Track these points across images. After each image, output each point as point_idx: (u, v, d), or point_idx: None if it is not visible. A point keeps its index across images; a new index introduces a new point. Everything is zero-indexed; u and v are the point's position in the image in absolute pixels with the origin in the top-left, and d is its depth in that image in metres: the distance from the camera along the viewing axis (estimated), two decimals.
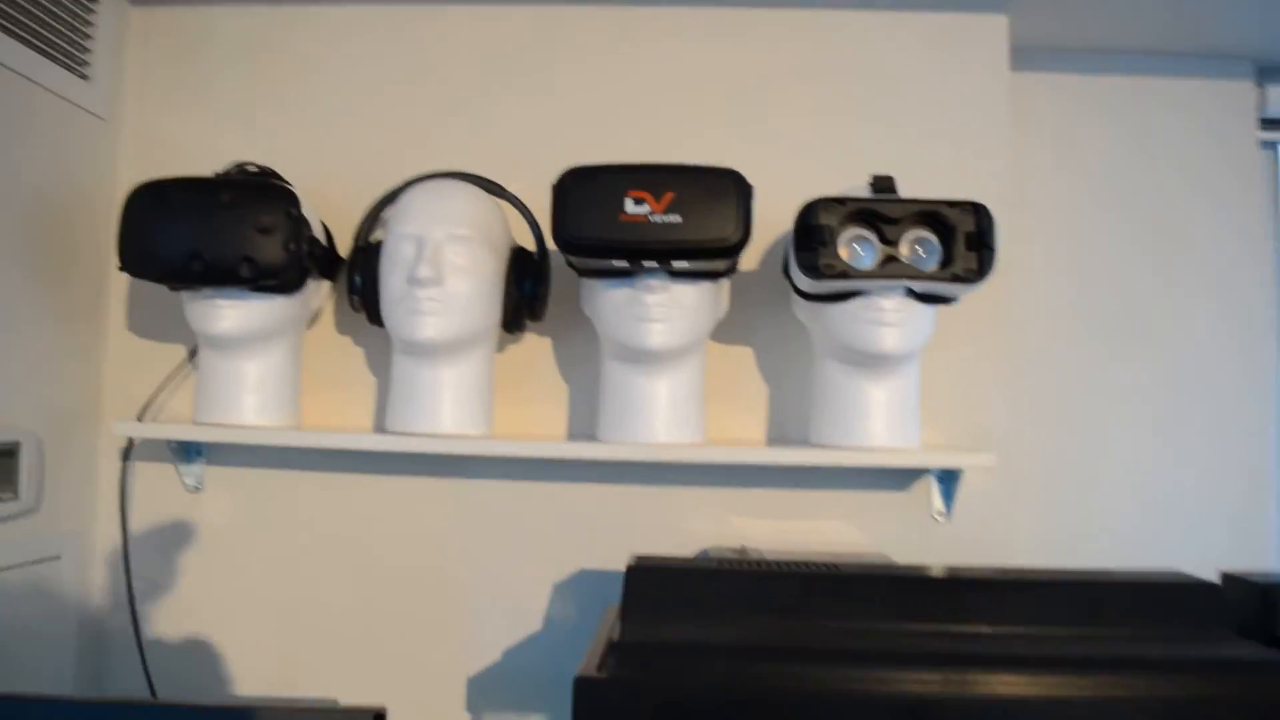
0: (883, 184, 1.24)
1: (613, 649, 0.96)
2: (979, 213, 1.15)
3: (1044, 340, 1.58)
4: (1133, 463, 1.56)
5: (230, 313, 1.24)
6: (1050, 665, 0.94)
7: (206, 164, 1.32)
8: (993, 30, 1.44)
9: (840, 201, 1.16)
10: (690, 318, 1.23)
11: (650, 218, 1.12)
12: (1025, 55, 1.52)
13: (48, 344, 1.34)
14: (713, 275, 1.24)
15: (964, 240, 1.15)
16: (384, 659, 1.41)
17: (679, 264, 1.17)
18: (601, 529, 1.40)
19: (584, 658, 0.97)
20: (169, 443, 1.39)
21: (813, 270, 1.15)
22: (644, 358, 1.24)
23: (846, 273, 1.15)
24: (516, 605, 1.39)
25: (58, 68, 1.33)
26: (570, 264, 1.23)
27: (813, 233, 1.15)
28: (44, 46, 1.31)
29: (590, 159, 1.15)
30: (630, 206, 1.12)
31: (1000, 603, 1.05)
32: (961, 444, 1.39)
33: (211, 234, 1.17)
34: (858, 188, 1.24)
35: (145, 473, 1.44)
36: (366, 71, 1.48)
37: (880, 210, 1.16)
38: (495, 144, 1.44)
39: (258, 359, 1.30)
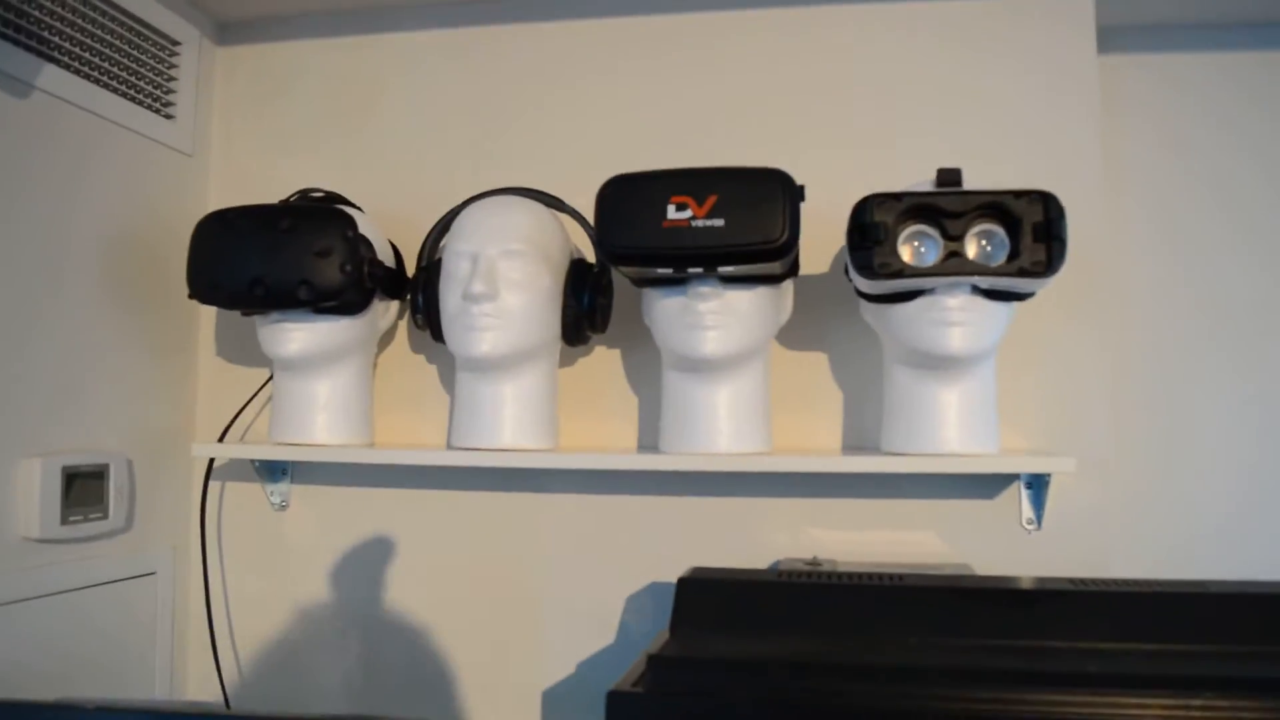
0: (948, 177, 1.18)
1: (651, 663, 0.94)
2: (1047, 202, 1.08)
3: (1145, 337, 1.47)
4: (1241, 469, 1.44)
5: (297, 335, 1.28)
6: (1136, 684, 0.87)
7: (288, 192, 1.37)
8: (1078, 8, 1.36)
9: (896, 197, 1.11)
10: (745, 324, 1.19)
11: (692, 223, 1.09)
12: (1112, 35, 1.43)
13: (140, 371, 1.40)
14: (769, 279, 1.20)
15: (1031, 232, 1.08)
16: (460, 672, 1.41)
17: (726, 269, 1.13)
18: (674, 541, 1.37)
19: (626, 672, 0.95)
20: (253, 462, 1.43)
21: (867, 270, 1.11)
22: (700, 366, 1.21)
23: (903, 271, 1.10)
24: (590, 618, 1.38)
25: (143, 110, 1.40)
26: (623, 273, 1.21)
27: (867, 231, 1.11)
28: (130, 91, 1.38)
29: (655, 167, 1.13)
30: (672, 212, 1.10)
31: (1080, 617, 0.99)
32: (1054, 448, 1.31)
33: (272, 259, 1.21)
34: (924, 183, 1.18)
35: (236, 492, 1.49)
36: (436, 94, 1.50)
37: (940, 204, 1.10)
38: (560, 157, 1.44)
39: (328, 379, 1.33)
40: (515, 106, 1.48)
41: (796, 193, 1.10)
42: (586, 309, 1.28)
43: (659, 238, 1.10)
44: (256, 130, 1.54)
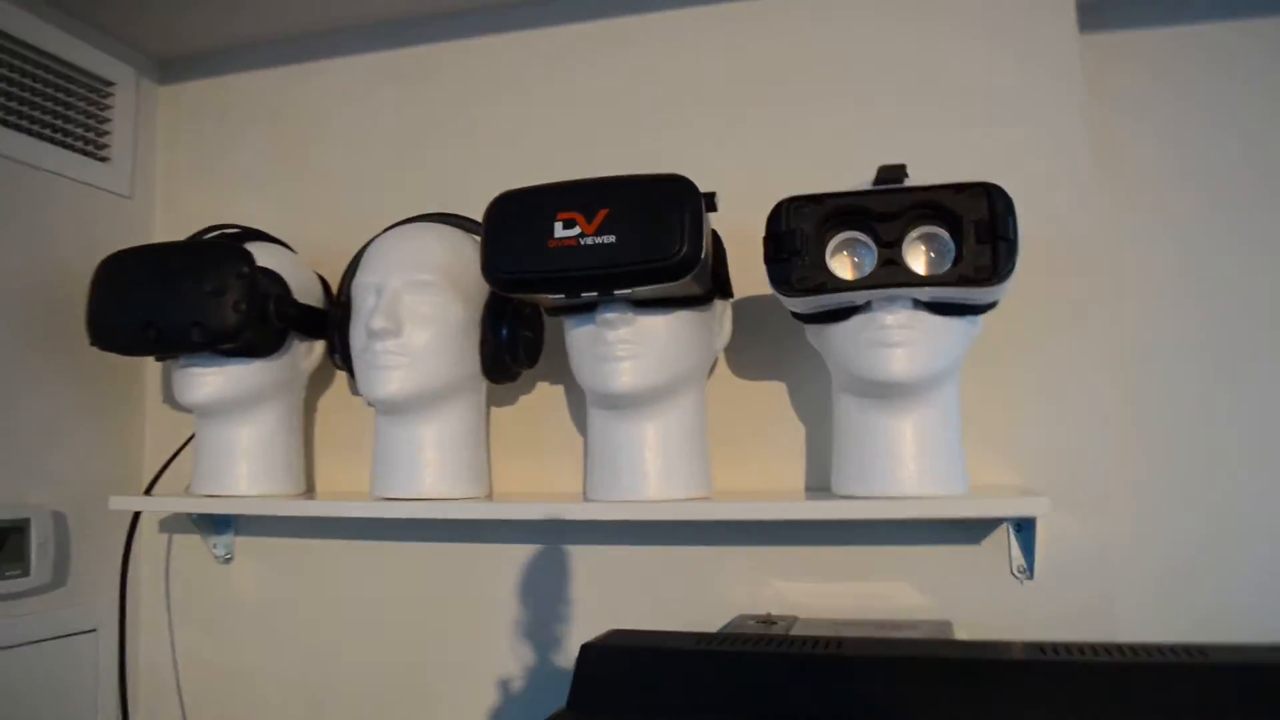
0: (889, 174, 1.02)
1: None
2: (991, 196, 0.92)
3: (1151, 352, 1.27)
4: (1271, 507, 1.22)
5: (206, 380, 1.20)
6: None
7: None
8: None
9: (816, 200, 0.97)
10: (664, 353, 1.05)
11: (581, 240, 0.97)
12: (1093, 12, 1.25)
13: (79, 422, 1.35)
14: (690, 301, 1.06)
15: (975, 233, 0.93)
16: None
17: (623, 291, 1.00)
18: (626, 594, 1.24)
19: None
20: (190, 516, 1.36)
21: (784, 284, 0.96)
22: (617, 402, 1.08)
23: (824, 285, 0.95)
24: (534, 675, 1.25)
25: (76, 155, 1.36)
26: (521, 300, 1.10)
27: (782, 240, 0.96)
28: (59, 136, 1.34)
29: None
30: (559, 230, 0.98)
31: (1039, 691, 0.82)
32: (1047, 486, 1.13)
33: (163, 301, 1.13)
34: (867, 183, 1.03)
35: (182, 545, 1.42)
36: (371, 122, 1.42)
37: (868, 206, 0.96)
38: (498, 177, 1.31)
39: (247, 426, 1.24)
40: (451, 128, 1.38)
41: (699, 202, 0.96)
42: (506, 342, 1.16)
43: (545, 260, 0.98)
44: (199, 167, 1.49)
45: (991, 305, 1.01)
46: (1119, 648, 0.86)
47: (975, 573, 1.15)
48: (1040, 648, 0.88)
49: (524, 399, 1.31)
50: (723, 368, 1.24)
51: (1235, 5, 1.28)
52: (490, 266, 1.01)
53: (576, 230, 0.97)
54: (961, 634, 1.12)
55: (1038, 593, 1.13)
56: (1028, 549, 1.12)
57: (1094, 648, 0.87)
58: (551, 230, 0.98)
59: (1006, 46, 1.20)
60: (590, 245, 0.97)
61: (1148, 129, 1.30)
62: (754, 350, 1.23)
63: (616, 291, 1.00)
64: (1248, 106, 1.28)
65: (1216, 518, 1.24)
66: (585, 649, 0.96)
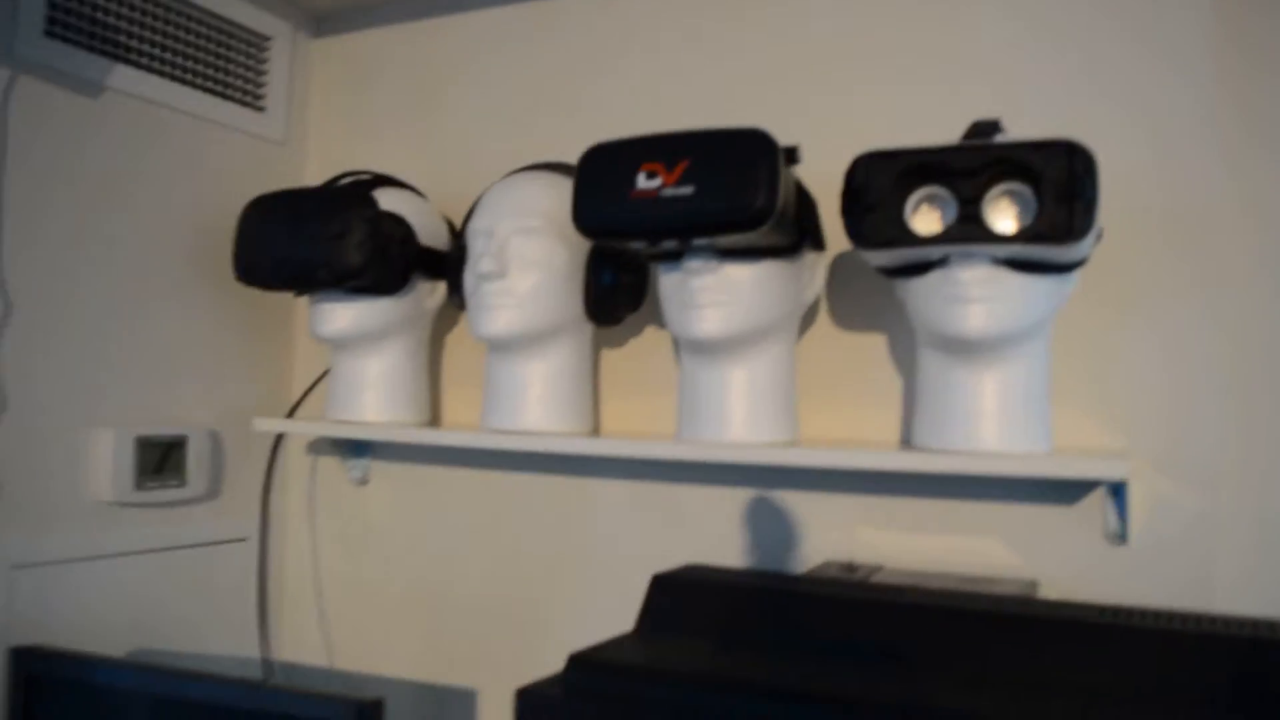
0: (980, 129, 1.01)
1: (571, 663, 0.88)
2: (1071, 155, 0.90)
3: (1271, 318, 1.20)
4: None
5: (337, 314, 1.30)
6: None
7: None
8: None
9: (892, 155, 0.96)
10: (748, 302, 1.08)
11: (661, 192, 1.00)
12: None
13: (234, 352, 1.50)
14: (777, 252, 1.08)
15: (1054, 191, 0.91)
16: (509, 641, 1.41)
17: (704, 240, 1.03)
18: (717, 533, 1.29)
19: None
20: (330, 440, 1.48)
21: (858, 238, 0.97)
22: (699, 348, 1.11)
23: (896, 239, 0.96)
24: (626, 601, 1.32)
25: (235, 105, 1.49)
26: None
27: (857, 194, 0.97)
28: (220, 88, 1.47)
29: None
30: (642, 181, 1.01)
31: (1090, 656, 0.82)
32: (1152, 450, 1.10)
33: (294, 241, 1.23)
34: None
35: (325, 467, 1.55)
36: (503, 72, 1.48)
37: (946, 162, 0.95)
38: (623, 128, 1.36)
39: (376, 358, 1.35)
40: (577, 79, 1.43)
41: (778, 155, 0.98)
42: (608, 286, 1.21)
43: (626, 209, 1.02)
44: (346, 116, 1.59)
45: (1079, 264, 0.99)
46: (1186, 616, 0.85)
47: (1067, 534, 1.13)
48: (1103, 610, 0.88)
49: (633, 341, 1.36)
50: (823, 317, 1.26)
51: None
52: (578, 214, 1.05)
53: (658, 181, 1.00)
54: (1047, 595, 1.11)
55: (1131, 559, 1.10)
56: (1122, 513, 1.09)
57: (1163, 614, 0.86)
58: (634, 181, 1.01)
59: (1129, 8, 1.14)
60: (670, 196, 1.00)
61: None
62: (855, 301, 1.24)
63: (695, 241, 1.03)
64: None
65: None
66: (656, 579, 1.02)
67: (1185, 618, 0.84)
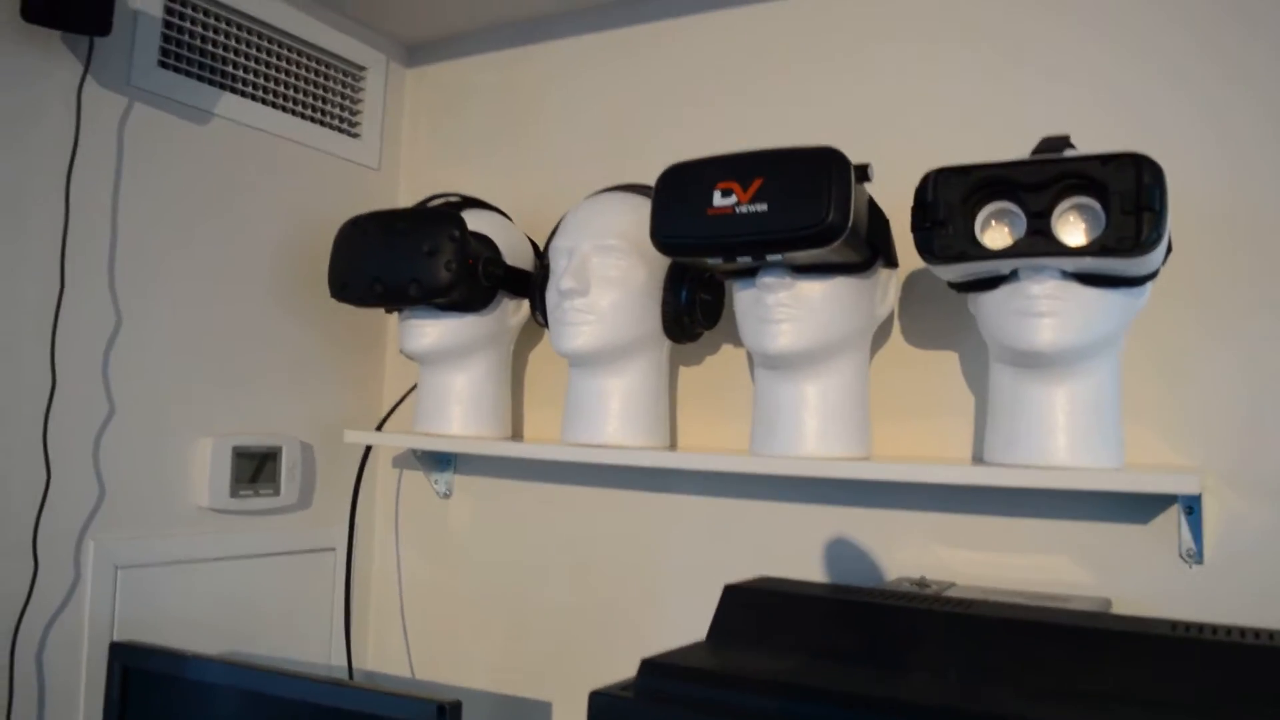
0: (1050, 144, 1.03)
1: (644, 668, 0.91)
2: (1139, 166, 0.92)
3: None
4: None
5: (426, 330, 1.36)
6: None
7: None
8: None
9: (963, 171, 0.99)
10: (821, 317, 1.10)
11: (737, 209, 1.04)
12: None
13: (327, 365, 1.57)
14: (849, 268, 1.11)
15: (1120, 203, 0.92)
16: (585, 651, 1.44)
17: (779, 256, 1.06)
18: (792, 548, 1.31)
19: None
20: (414, 451, 1.54)
21: (928, 252, 1.00)
22: (775, 363, 1.14)
23: (966, 253, 0.98)
24: (699, 614, 1.34)
25: (332, 132, 1.57)
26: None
27: (927, 209, 0.99)
28: (318, 115, 1.55)
29: None
30: (718, 199, 1.05)
31: (1165, 670, 0.82)
32: (1228, 468, 1.10)
33: (387, 260, 1.30)
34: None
35: (411, 480, 1.61)
36: (587, 98, 1.54)
37: (1014, 177, 0.97)
38: (699, 152, 1.41)
39: (462, 373, 1.40)
40: (657, 105, 1.48)
41: (849, 173, 1.01)
42: (685, 304, 1.25)
43: (703, 226, 1.06)
44: (437, 141, 1.67)
45: (1150, 277, 1.00)
46: (1260, 631, 0.85)
47: (1141, 552, 1.13)
48: (1175, 625, 0.88)
49: (710, 358, 1.40)
50: (896, 334, 1.28)
51: None
52: (656, 231, 1.09)
53: (733, 199, 1.04)
54: (1120, 613, 1.11)
55: (1206, 578, 1.10)
56: (1196, 532, 1.09)
57: (1236, 629, 0.86)
58: (710, 199, 1.05)
59: (1196, 19, 1.15)
60: (745, 213, 1.03)
61: None
62: (928, 319, 1.26)
63: (769, 256, 1.06)
64: None
65: None
66: (728, 589, 1.04)
67: (1259, 632, 0.84)
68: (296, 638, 1.50)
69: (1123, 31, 1.19)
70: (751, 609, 1.02)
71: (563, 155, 1.55)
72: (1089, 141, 1.07)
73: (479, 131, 1.63)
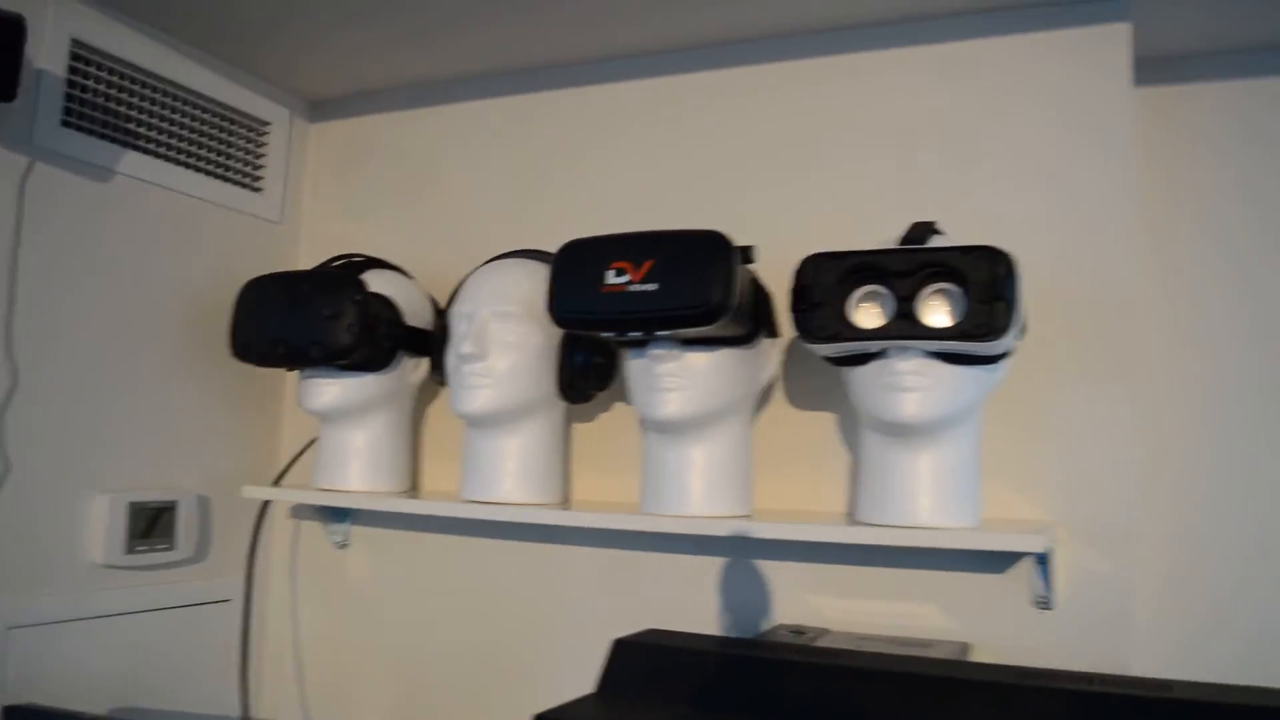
0: (918, 231, 1.13)
1: None
2: (994, 260, 1.02)
3: (1196, 399, 1.32)
4: None
5: (325, 389, 1.39)
6: None
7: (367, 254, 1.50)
8: (1113, 41, 1.26)
9: (837, 256, 1.08)
10: (707, 386, 1.18)
11: (629, 287, 1.11)
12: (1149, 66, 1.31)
13: (225, 421, 1.59)
14: (733, 340, 1.19)
15: (978, 292, 1.02)
16: (482, 703, 1.48)
17: (663, 332, 1.14)
18: (671, 598, 1.39)
19: None
20: (314, 506, 1.56)
21: (805, 332, 1.08)
22: (662, 428, 1.21)
23: (840, 335, 1.07)
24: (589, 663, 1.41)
25: (234, 187, 1.59)
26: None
27: (804, 293, 1.08)
28: (220, 171, 1.58)
29: (689, 224, 1.14)
30: (611, 277, 1.12)
31: (988, 714, 0.91)
32: (1071, 521, 1.21)
33: (290, 321, 1.33)
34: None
35: (308, 531, 1.64)
36: (485, 161, 1.60)
37: (883, 264, 1.06)
38: (591, 218, 1.47)
39: (361, 430, 1.44)
40: (551, 170, 1.55)
41: (733, 255, 1.09)
42: (580, 367, 1.31)
43: (597, 303, 1.12)
44: (339, 197, 1.70)
45: (1003, 356, 1.10)
46: (1093, 677, 0.94)
47: (998, 600, 1.23)
48: (1025, 672, 0.97)
49: (603, 417, 1.46)
50: (779, 398, 1.36)
51: None
52: (553, 306, 1.16)
53: (626, 278, 1.11)
54: (979, 657, 1.20)
55: (1057, 622, 1.21)
56: (1046, 580, 1.20)
57: (1076, 676, 0.95)
58: (604, 277, 1.12)
59: (1056, 103, 1.27)
60: (636, 292, 1.10)
61: (1207, 178, 1.35)
62: (807, 384, 1.34)
63: (656, 333, 1.14)
64: None
65: (1255, 560, 1.28)
66: (617, 643, 1.10)
67: (1091, 679, 0.94)
68: (193, 690, 1.51)
69: (977, 117, 1.31)
70: (639, 663, 1.09)
71: (463, 214, 1.60)
72: (950, 220, 1.19)
73: (380, 188, 1.67)
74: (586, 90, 1.55)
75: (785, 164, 1.41)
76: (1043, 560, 1.20)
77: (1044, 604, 1.21)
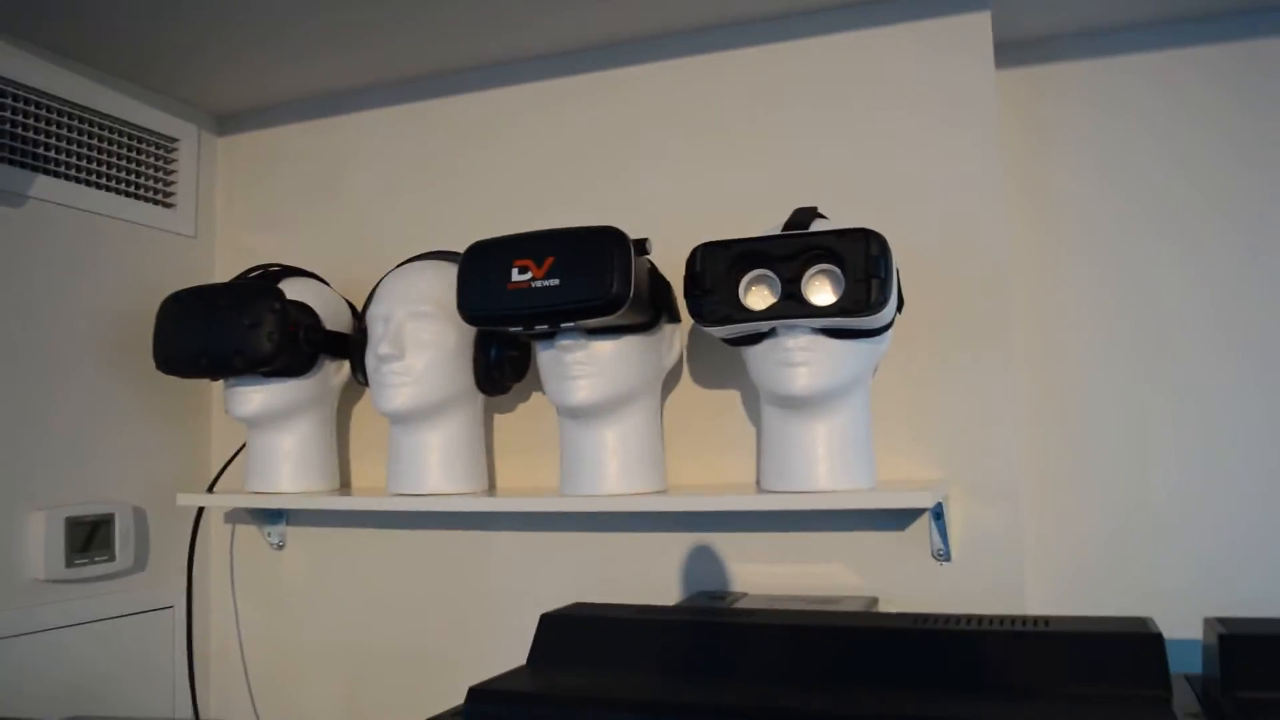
0: (798, 218, 1.20)
1: (471, 695, 1.02)
2: (868, 240, 1.09)
3: (1068, 362, 1.41)
4: (1172, 499, 1.36)
5: (251, 396, 1.44)
6: None
7: (280, 263, 1.54)
8: (975, 29, 1.34)
9: (725, 245, 1.15)
10: (613, 372, 1.25)
11: (533, 284, 1.17)
12: (1009, 50, 1.40)
13: (153, 432, 1.62)
14: (636, 328, 1.26)
15: (855, 271, 1.10)
16: (425, 686, 1.53)
17: (568, 324, 1.20)
18: (595, 574, 1.46)
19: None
20: (248, 509, 1.61)
21: (699, 316, 1.15)
22: (574, 413, 1.28)
23: (730, 317, 1.14)
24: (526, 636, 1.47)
25: (144, 203, 1.62)
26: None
27: (696, 279, 1.15)
28: (131, 189, 1.60)
29: (586, 221, 1.20)
30: (515, 275, 1.18)
31: (892, 657, 0.99)
32: (962, 478, 1.29)
33: (211, 333, 1.37)
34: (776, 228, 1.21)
35: (243, 534, 1.68)
36: (391, 165, 1.65)
37: (767, 250, 1.13)
38: (498, 217, 1.53)
39: (289, 433, 1.48)
40: (454, 172, 1.60)
41: (629, 248, 1.15)
42: (495, 361, 1.37)
43: (503, 300, 1.18)
44: (251, 209, 1.74)
45: (885, 329, 1.18)
46: (986, 618, 1.03)
47: (901, 555, 1.32)
48: (917, 618, 1.05)
49: (522, 406, 1.52)
50: (685, 378, 1.43)
51: (1148, 39, 1.41)
52: (462, 305, 1.22)
53: (529, 275, 1.17)
54: (886, 608, 1.29)
55: (955, 573, 1.29)
56: (943, 534, 1.28)
57: (971, 618, 1.03)
58: (509, 275, 1.18)
59: (924, 92, 1.35)
60: (539, 287, 1.16)
61: (1069, 154, 1.44)
62: (711, 363, 1.41)
63: (563, 324, 1.20)
64: (1172, 130, 1.41)
65: (1134, 510, 1.38)
66: (544, 617, 1.16)
67: (981, 619, 1.02)
68: (142, 697, 1.55)
69: (853, 111, 1.38)
70: (566, 634, 1.15)
71: (372, 219, 1.65)
72: (835, 206, 1.26)
73: (291, 198, 1.71)
74: (483, 94, 1.60)
75: (675, 158, 1.48)
76: (938, 516, 1.28)
77: (943, 556, 1.30)
